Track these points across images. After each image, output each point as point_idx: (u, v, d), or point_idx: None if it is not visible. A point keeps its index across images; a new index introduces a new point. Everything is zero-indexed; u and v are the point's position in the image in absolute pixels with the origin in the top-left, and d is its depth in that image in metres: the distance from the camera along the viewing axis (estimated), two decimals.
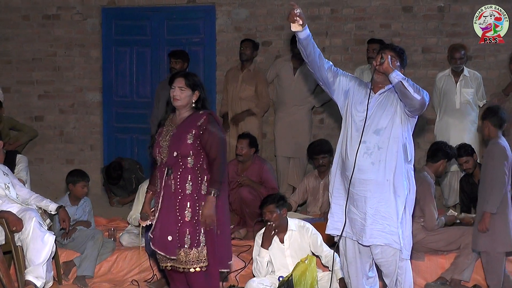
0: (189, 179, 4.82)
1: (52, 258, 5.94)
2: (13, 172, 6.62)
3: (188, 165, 4.82)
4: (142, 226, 5.09)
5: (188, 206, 4.80)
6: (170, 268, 4.94)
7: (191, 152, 4.81)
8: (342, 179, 4.86)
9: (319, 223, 6.32)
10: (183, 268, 4.83)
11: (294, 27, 4.58)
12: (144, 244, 6.02)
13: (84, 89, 9.28)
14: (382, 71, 4.66)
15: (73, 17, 9.24)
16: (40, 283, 5.63)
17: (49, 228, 5.96)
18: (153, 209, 5.01)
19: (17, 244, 5.78)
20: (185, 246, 4.79)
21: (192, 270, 4.82)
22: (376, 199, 4.71)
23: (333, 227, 4.92)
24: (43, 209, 6.08)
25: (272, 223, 5.80)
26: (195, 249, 4.80)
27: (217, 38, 8.97)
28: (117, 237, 6.83)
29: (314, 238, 5.90)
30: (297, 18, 4.55)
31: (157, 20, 9.19)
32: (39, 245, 5.65)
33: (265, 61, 8.75)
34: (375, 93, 4.80)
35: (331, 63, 4.89)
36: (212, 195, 4.80)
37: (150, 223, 4.97)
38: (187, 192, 4.81)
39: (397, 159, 4.71)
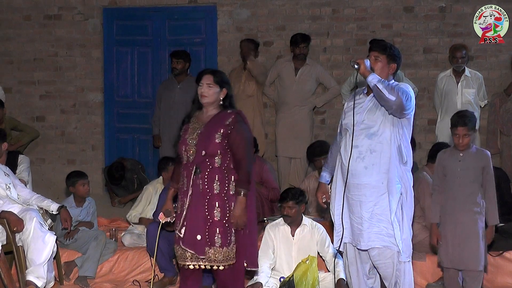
0: (216, 179, 4.77)
1: (54, 258, 5.95)
2: (15, 173, 6.63)
3: (216, 165, 4.78)
4: (162, 222, 5.04)
5: (217, 205, 4.76)
6: (188, 266, 4.89)
7: (218, 151, 4.77)
8: (342, 185, 4.88)
9: (320, 222, 6.35)
10: (211, 266, 4.81)
11: None
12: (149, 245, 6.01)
13: (85, 89, 9.28)
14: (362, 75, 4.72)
15: (75, 17, 9.24)
16: (41, 283, 5.64)
17: (50, 228, 5.97)
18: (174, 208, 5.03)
19: (18, 244, 5.79)
20: (216, 245, 4.75)
21: (221, 268, 4.80)
22: (372, 203, 4.73)
23: (338, 239, 4.94)
24: (45, 210, 6.09)
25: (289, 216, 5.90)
26: (226, 248, 4.77)
27: (219, 38, 8.97)
28: (119, 237, 6.83)
29: (323, 238, 5.95)
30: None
31: (159, 20, 9.20)
32: (40, 245, 5.66)
33: (266, 61, 8.74)
34: (367, 96, 4.83)
35: (336, 138, 5.09)
36: (241, 195, 4.76)
37: (170, 220, 4.96)
38: (215, 192, 4.77)
39: (390, 161, 4.72)
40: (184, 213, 4.81)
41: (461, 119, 5.33)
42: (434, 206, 5.48)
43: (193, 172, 4.78)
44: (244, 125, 4.88)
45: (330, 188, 5.11)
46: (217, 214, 4.76)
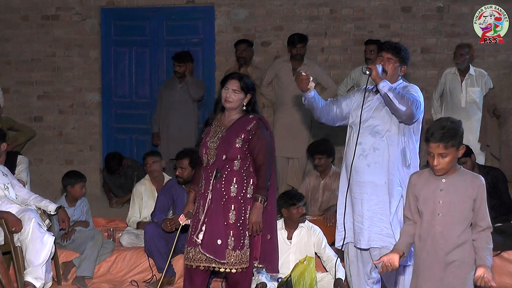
0: (234, 181, 4.77)
1: (51, 259, 5.94)
2: (14, 173, 6.62)
3: (234, 168, 4.78)
4: (182, 224, 5.03)
5: (233, 208, 4.76)
6: (196, 267, 4.88)
7: (238, 156, 4.77)
8: (345, 184, 4.88)
9: (317, 220, 6.37)
10: (224, 269, 4.81)
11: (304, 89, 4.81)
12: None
13: (83, 89, 9.28)
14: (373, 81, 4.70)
15: (72, 17, 9.24)
16: (39, 284, 5.63)
17: (48, 229, 5.96)
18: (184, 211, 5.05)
19: (16, 245, 5.77)
20: (229, 247, 4.76)
21: (233, 271, 4.80)
22: (373, 201, 4.72)
23: (340, 238, 4.94)
24: (43, 210, 6.08)
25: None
26: (239, 251, 4.77)
27: (216, 38, 8.98)
28: (117, 237, 6.83)
29: (319, 240, 5.95)
30: (309, 82, 4.80)
31: (156, 20, 9.20)
32: (38, 246, 5.65)
33: (264, 61, 8.75)
34: (376, 94, 4.82)
35: (329, 99, 5.00)
36: (259, 201, 4.76)
37: (189, 223, 4.95)
38: (232, 194, 4.77)
39: (391, 162, 4.70)
40: (203, 218, 4.79)
41: (437, 131, 3.76)
42: (404, 236, 3.97)
43: (213, 176, 4.78)
44: (265, 131, 4.88)
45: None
46: (232, 216, 4.76)
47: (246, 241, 4.80)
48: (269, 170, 4.82)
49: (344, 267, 5.39)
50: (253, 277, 5.71)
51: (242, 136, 4.78)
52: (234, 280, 4.90)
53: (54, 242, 5.85)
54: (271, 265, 4.98)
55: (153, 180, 7.02)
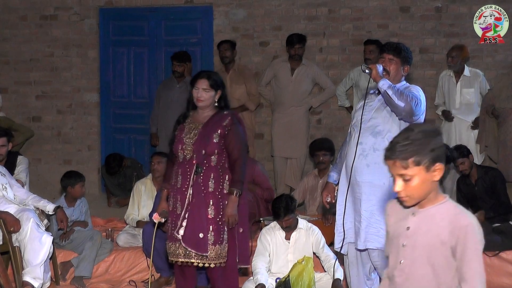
0: (211, 177, 4.87)
1: (50, 259, 5.94)
2: (13, 173, 6.62)
3: (212, 163, 4.88)
4: (156, 223, 5.02)
5: (211, 203, 4.85)
6: (181, 263, 4.93)
7: (216, 150, 4.88)
8: (345, 184, 4.88)
9: (316, 221, 6.37)
10: (203, 264, 4.85)
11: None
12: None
13: (81, 89, 9.27)
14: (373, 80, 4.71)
15: (71, 17, 9.23)
16: (38, 284, 5.63)
17: (47, 229, 5.96)
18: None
19: (14, 245, 5.78)
20: (209, 242, 4.81)
21: (212, 265, 4.85)
22: (371, 202, 4.72)
23: (339, 239, 4.94)
24: (41, 210, 6.08)
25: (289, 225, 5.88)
26: (218, 246, 4.84)
27: (215, 38, 8.96)
28: (115, 237, 6.83)
29: (318, 240, 5.95)
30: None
31: (155, 20, 9.19)
32: (36, 246, 5.66)
33: (262, 61, 8.75)
34: (377, 96, 4.83)
35: (346, 139, 5.02)
36: (234, 195, 4.85)
37: (163, 222, 4.98)
38: (210, 189, 4.86)
39: None
40: (183, 213, 4.84)
41: (397, 143, 2.62)
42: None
43: (193, 171, 4.85)
44: (240, 126, 5.00)
45: (337, 189, 5.10)
46: (211, 211, 4.84)
47: (225, 236, 4.88)
48: (243, 165, 4.93)
49: (343, 268, 5.39)
50: (252, 278, 5.72)
51: (219, 132, 4.89)
52: (215, 276, 4.96)
53: (53, 242, 5.86)
54: (243, 257, 5.03)
55: (154, 181, 7.00)
